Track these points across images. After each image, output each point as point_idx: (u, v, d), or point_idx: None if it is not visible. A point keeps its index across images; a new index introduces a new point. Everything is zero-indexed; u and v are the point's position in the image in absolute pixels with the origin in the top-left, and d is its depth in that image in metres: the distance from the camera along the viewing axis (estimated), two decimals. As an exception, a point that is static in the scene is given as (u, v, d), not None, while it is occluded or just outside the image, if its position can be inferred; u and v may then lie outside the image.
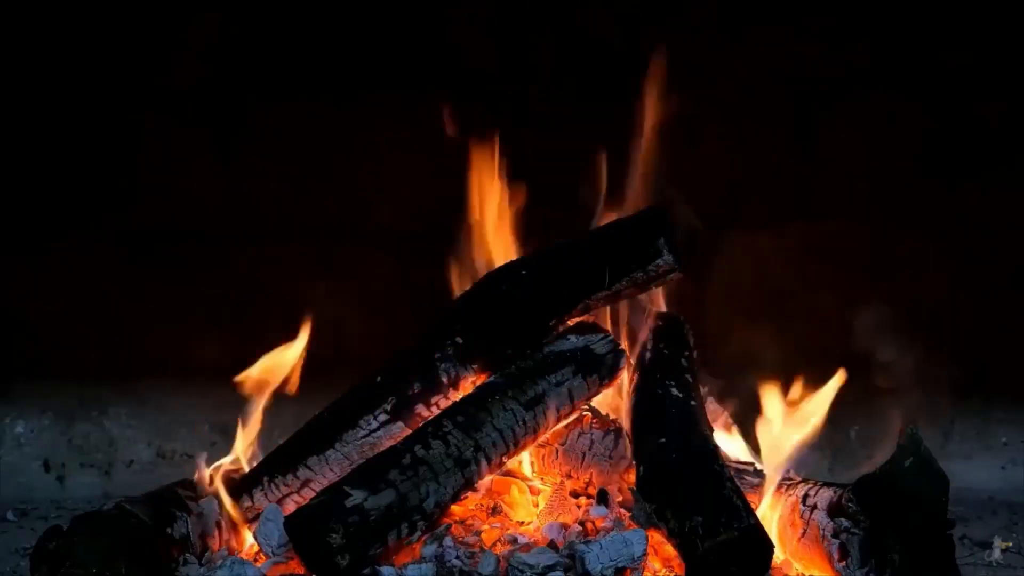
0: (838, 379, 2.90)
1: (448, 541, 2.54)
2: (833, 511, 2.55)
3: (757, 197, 3.97)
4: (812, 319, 3.83)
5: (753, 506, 2.56)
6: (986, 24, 3.89)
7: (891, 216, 3.95)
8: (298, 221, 3.96)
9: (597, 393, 2.84)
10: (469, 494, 2.68)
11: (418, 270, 3.87)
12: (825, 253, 3.95)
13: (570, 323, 2.87)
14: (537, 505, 2.78)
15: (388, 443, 2.71)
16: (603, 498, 2.75)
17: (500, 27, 3.89)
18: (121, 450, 4.00)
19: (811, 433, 2.84)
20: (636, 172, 3.04)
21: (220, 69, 3.90)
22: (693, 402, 2.78)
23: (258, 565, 2.56)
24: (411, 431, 2.72)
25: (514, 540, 2.60)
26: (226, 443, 2.97)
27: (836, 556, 2.50)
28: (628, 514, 2.66)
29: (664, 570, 2.57)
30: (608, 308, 2.94)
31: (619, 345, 2.87)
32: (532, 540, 2.61)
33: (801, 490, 2.69)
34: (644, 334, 2.99)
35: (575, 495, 2.80)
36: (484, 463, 2.62)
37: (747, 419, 3.01)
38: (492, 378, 2.76)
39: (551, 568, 2.45)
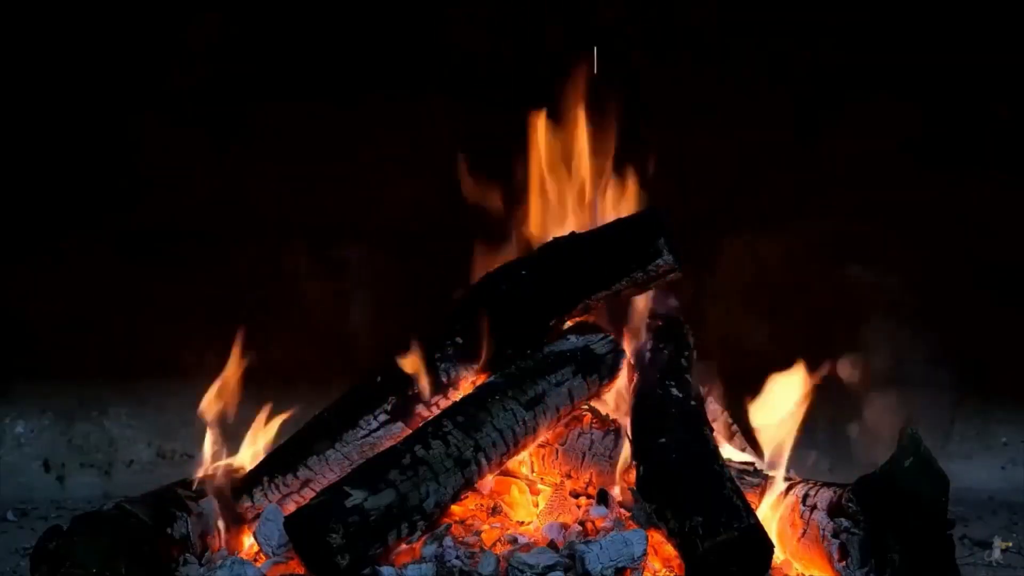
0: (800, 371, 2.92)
1: (448, 541, 2.54)
2: (833, 511, 2.55)
3: (757, 197, 3.96)
4: (812, 319, 3.83)
5: (753, 506, 2.56)
6: (986, 24, 3.88)
7: (891, 216, 3.95)
8: (298, 221, 3.96)
9: (597, 393, 2.84)
10: (469, 494, 2.68)
11: (418, 270, 3.88)
12: (825, 253, 3.95)
13: (570, 323, 2.87)
14: (537, 505, 2.78)
15: (388, 443, 2.71)
16: (603, 498, 2.75)
17: (501, 27, 3.89)
18: (121, 450, 4.00)
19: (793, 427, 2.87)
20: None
21: (220, 69, 3.90)
22: (693, 402, 2.78)
23: (258, 565, 2.56)
24: (411, 431, 2.72)
25: (514, 540, 2.60)
26: (227, 443, 2.96)
27: (836, 556, 2.50)
28: (628, 514, 2.66)
29: (664, 570, 2.57)
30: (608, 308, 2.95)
31: (619, 345, 2.87)
32: (532, 540, 2.61)
33: (801, 490, 2.68)
34: (644, 334, 2.99)
35: (575, 495, 2.80)
36: (484, 463, 2.62)
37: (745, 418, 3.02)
38: (492, 378, 2.76)
39: (551, 568, 2.45)
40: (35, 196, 3.92)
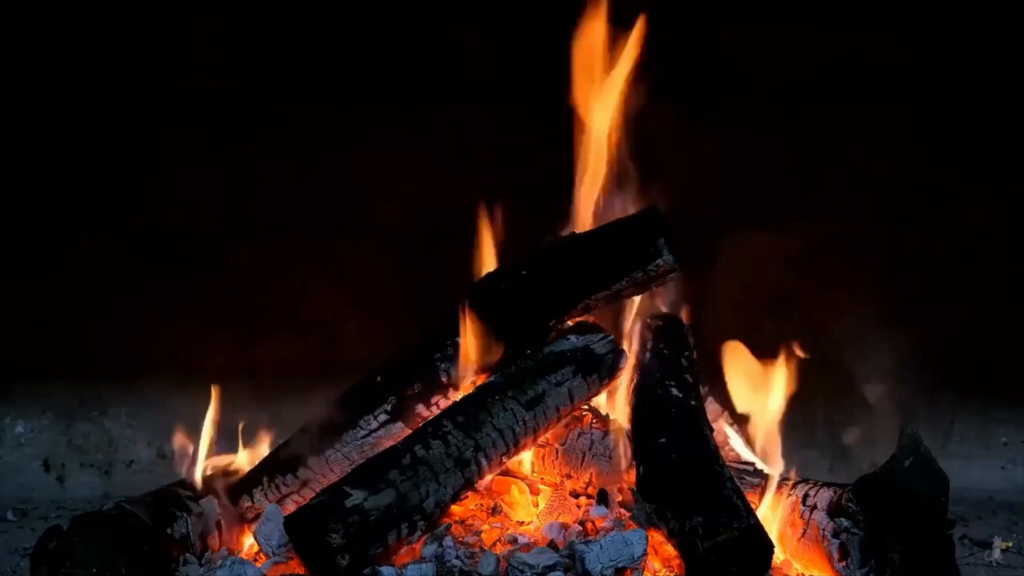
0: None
1: (448, 541, 2.54)
2: (833, 511, 2.55)
3: (757, 197, 3.96)
4: (812, 319, 3.83)
5: (753, 506, 2.56)
6: (986, 25, 3.89)
7: (891, 216, 3.95)
8: (297, 221, 3.96)
9: (597, 393, 2.84)
10: (469, 494, 2.68)
11: (418, 270, 3.88)
12: (825, 253, 3.95)
13: (570, 323, 2.87)
14: (537, 505, 2.78)
15: (388, 443, 2.71)
16: (603, 498, 2.75)
17: (501, 26, 3.89)
18: (121, 450, 4.00)
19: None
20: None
21: (220, 69, 3.90)
22: (693, 402, 2.78)
23: (258, 565, 2.56)
24: (411, 431, 2.72)
25: (514, 540, 2.60)
26: (226, 443, 2.96)
27: (836, 556, 2.50)
28: (628, 514, 2.66)
29: (664, 570, 2.57)
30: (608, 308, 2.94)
31: (619, 345, 2.87)
32: (532, 540, 2.61)
33: (801, 490, 2.69)
34: (644, 334, 2.99)
35: (575, 495, 2.80)
36: (484, 463, 2.62)
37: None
38: (492, 378, 2.76)
39: (551, 568, 2.45)
40: (35, 197, 3.92)
